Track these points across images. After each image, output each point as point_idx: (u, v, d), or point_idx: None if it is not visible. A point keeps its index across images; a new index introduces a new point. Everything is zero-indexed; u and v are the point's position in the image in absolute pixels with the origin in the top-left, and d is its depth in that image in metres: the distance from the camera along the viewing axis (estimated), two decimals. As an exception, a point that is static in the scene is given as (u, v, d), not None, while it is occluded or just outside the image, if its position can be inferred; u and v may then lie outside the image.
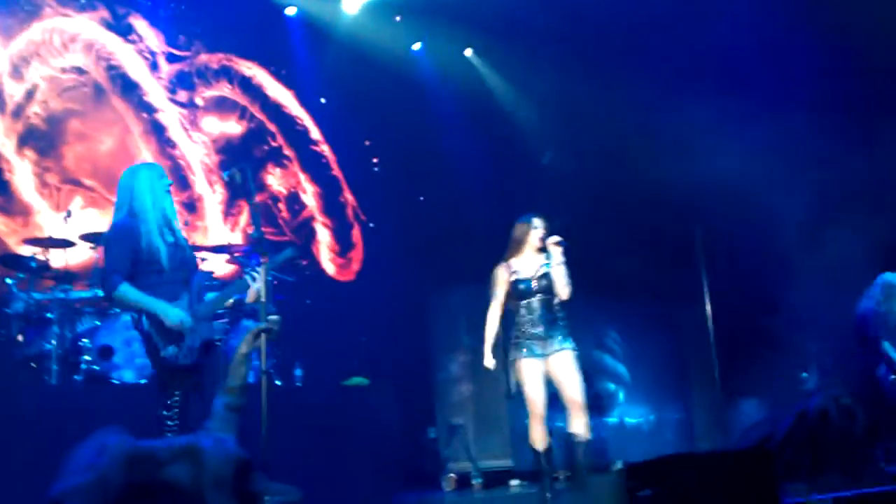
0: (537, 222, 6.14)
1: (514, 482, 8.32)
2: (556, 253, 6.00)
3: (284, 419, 6.50)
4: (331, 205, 10.53)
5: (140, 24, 9.52)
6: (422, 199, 10.73)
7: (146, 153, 9.43)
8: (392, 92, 10.30)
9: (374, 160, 10.76)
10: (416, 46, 10.96)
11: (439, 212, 10.50)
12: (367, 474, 7.15)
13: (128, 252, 4.68)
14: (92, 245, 7.64)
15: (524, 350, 5.93)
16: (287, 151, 10.36)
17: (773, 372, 8.42)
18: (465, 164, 10.61)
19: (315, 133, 10.50)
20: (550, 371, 5.94)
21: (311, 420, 6.96)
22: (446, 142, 10.76)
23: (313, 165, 10.48)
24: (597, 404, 8.06)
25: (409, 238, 10.13)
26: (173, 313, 4.66)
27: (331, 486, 6.32)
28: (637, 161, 9.38)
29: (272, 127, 10.29)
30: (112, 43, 9.35)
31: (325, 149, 10.54)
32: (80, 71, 9.15)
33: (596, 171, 9.98)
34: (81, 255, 8.24)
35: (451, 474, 8.34)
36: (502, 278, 6.07)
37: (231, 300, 5.08)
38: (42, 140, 8.84)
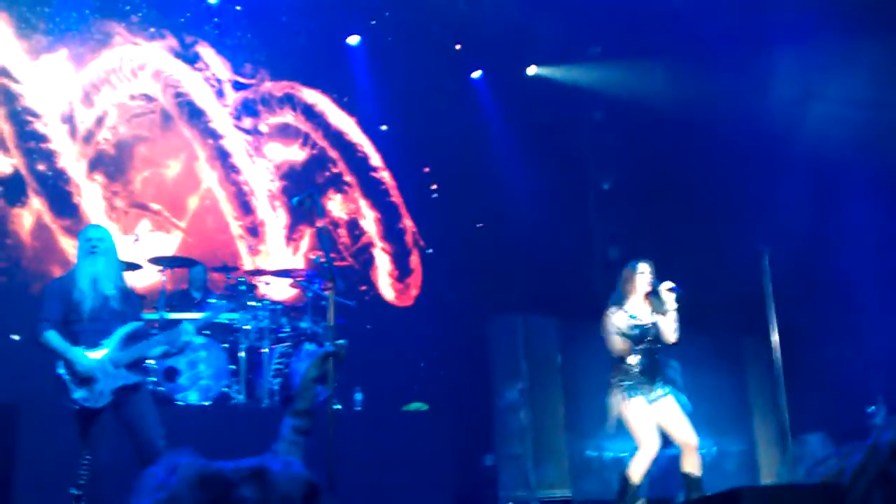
0: (643, 267, 6.06)
1: (573, 512, 8.23)
2: (670, 299, 5.97)
3: (344, 443, 6.54)
4: (390, 230, 10.58)
5: (207, 52, 9.73)
6: (480, 225, 10.74)
7: (211, 179, 9.60)
8: (451, 119, 10.36)
9: (433, 187, 10.80)
10: (476, 74, 11.03)
11: (497, 238, 10.49)
12: (425, 500, 7.13)
13: (58, 302, 5.16)
14: (160, 268, 7.80)
15: (636, 391, 5.93)
16: (348, 177, 10.46)
17: (839, 404, 8.22)
18: (524, 190, 10.60)
19: (375, 159, 10.58)
20: (657, 416, 5.98)
21: (370, 444, 6.97)
22: (504, 168, 10.77)
23: (373, 191, 10.57)
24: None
25: (468, 264, 10.14)
26: (84, 361, 4.99)
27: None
28: (699, 183, 9.26)
29: (334, 153, 10.40)
30: (180, 71, 9.56)
31: (385, 175, 10.61)
32: (148, 98, 9.37)
33: (656, 195, 9.90)
34: (149, 278, 8.41)
35: (509, 503, 8.27)
36: (622, 321, 5.96)
37: (160, 351, 5.47)
38: (111, 165, 9.06)
